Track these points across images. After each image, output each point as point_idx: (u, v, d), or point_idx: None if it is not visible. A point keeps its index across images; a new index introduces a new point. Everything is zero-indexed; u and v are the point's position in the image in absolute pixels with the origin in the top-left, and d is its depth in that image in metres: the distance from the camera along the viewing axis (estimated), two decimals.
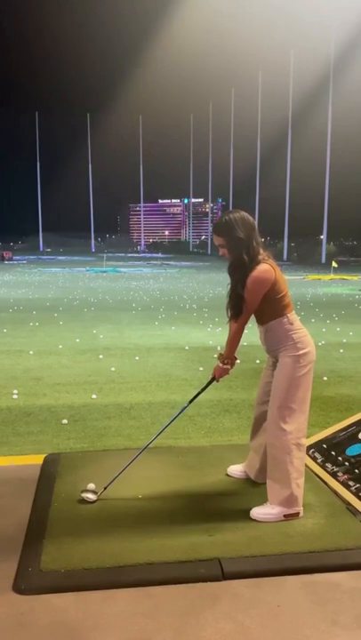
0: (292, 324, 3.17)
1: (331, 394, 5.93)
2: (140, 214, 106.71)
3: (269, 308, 3.16)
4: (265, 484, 3.32)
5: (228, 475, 3.63)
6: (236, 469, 3.65)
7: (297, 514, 3.10)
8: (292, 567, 2.67)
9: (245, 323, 3.21)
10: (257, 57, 66.84)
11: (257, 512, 3.10)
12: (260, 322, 3.26)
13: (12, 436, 4.58)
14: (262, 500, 3.20)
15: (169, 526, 2.99)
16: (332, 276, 29.77)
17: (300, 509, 3.12)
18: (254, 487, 3.45)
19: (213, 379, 3.39)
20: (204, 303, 15.17)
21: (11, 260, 49.47)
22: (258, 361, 7.35)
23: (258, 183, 65.41)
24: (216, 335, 9.48)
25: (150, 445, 3.56)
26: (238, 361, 3.42)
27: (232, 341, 3.25)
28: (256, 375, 6.72)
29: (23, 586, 2.51)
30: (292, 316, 3.21)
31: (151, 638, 2.22)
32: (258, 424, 3.46)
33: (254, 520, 3.06)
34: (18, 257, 54.30)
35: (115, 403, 5.52)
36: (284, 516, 3.07)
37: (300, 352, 3.15)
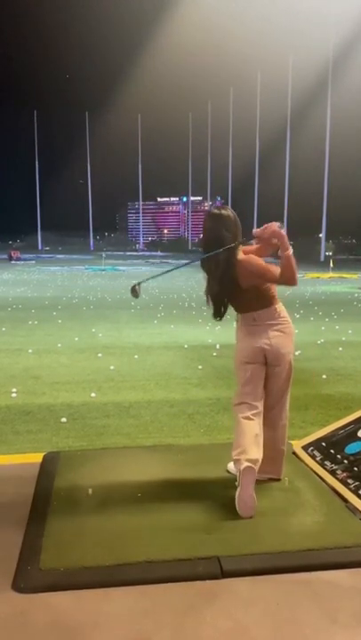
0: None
1: (330, 392, 5.93)
2: (138, 212, 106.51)
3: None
4: (264, 481, 3.40)
5: (227, 471, 3.63)
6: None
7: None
8: (291, 565, 2.67)
9: None
10: (256, 56, 66.63)
11: None
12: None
13: (11, 434, 4.58)
14: (262, 497, 3.20)
15: (168, 525, 2.98)
16: (331, 274, 29.77)
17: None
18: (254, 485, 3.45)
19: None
20: (203, 301, 15.03)
21: (19, 259, 45.12)
22: None
23: (257, 181, 65.41)
24: (215, 333, 9.48)
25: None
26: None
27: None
28: None
29: (22, 584, 2.51)
30: None
31: (150, 637, 2.22)
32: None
33: (252, 517, 3.05)
34: (25, 256, 49.32)
35: (114, 401, 5.52)
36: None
37: None
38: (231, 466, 3.63)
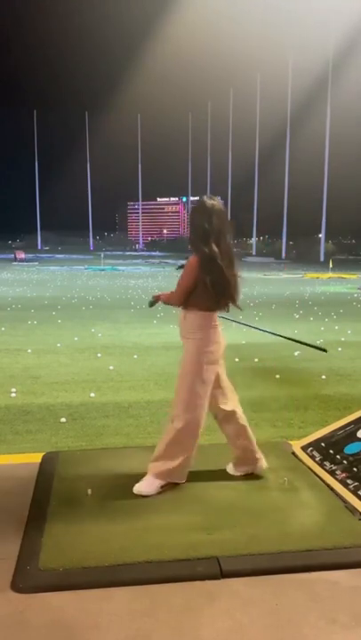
0: None
1: (329, 392, 5.93)
2: (138, 212, 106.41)
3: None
4: (264, 480, 3.41)
5: (228, 472, 3.64)
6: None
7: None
8: (291, 565, 2.67)
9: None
10: (255, 57, 66.55)
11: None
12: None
13: (11, 434, 4.58)
14: (262, 497, 3.20)
15: (167, 525, 2.99)
16: (330, 274, 29.78)
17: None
18: (254, 485, 3.46)
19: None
20: None
21: (23, 261, 42.72)
22: (256, 359, 7.34)
23: (256, 181, 65.39)
24: None
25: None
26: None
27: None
28: (255, 374, 6.73)
29: (22, 584, 2.51)
30: None
31: (149, 636, 2.23)
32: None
33: (251, 518, 3.05)
34: (30, 255, 47.55)
35: (113, 401, 5.52)
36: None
37: None
38: (231, 467, 3.64)
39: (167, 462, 3.34)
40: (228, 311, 3.44)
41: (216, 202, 3.34)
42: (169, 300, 3.50)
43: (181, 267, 3.40)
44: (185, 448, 3.36)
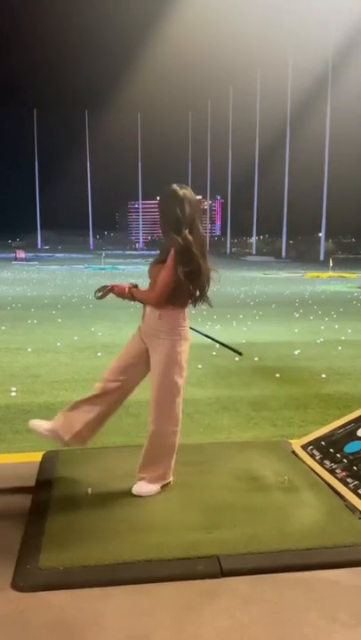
0: None
1: (329, 391, 5.93)
2: (138, 211, 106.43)
3: None
4: (263, 480, 3.37)
5: (32, 428, 3.50)
6: (41, 425, 3.48)
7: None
8: (291, 564, 2.67)
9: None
10: (255, 57, 66.55)
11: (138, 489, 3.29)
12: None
13: (11, 433, 4.57)
14: (262, 496, 3.20)
15: (167, 524, 2.98)
16: (330, 273, 29.77)
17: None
18: (254, 485, 3.45)
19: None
20: None
21: (23, 260, 41.73)
22: (256, 358, 7.35)
23: (256, 180, 65.42)
24: (214, 332, 9.46)
25: None
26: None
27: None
28: (255, 372, 6.73)
29: (22, 583, 2.51)
30: None
31: (149, 635, 2.22)
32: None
33: (251, 517, 3.05)
34: (30, 254, 46.57)
35: None
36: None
37: None
38: (36, 424, 3.49)
39: (157, 467, 3.34)
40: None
41: (188, 191, 3.20)
42: (145, 299, 3.32)
43: (160, 261, 3.25)
44: (170, 449, 3.38)
